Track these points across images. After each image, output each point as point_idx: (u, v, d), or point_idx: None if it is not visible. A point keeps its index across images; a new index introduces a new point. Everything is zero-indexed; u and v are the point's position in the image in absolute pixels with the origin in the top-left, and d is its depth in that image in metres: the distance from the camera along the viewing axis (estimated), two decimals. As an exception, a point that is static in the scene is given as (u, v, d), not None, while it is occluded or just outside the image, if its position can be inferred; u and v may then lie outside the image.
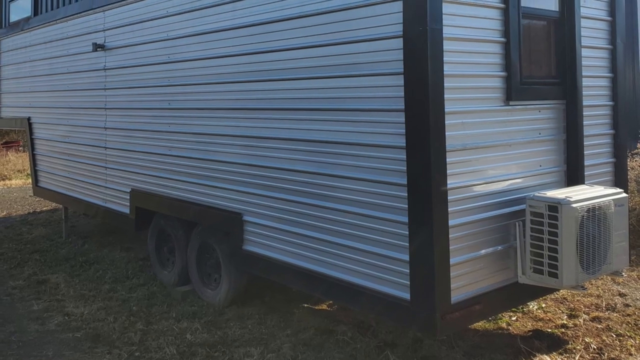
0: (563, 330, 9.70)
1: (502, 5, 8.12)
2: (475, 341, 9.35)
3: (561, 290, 9.73)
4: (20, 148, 37.35)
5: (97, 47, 13.65)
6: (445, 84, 7.38)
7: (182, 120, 11.38)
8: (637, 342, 9.22)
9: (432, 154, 7.24)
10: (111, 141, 13.67)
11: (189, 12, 10.97)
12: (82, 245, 16.07)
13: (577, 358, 8.73)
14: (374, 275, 7.98)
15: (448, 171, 7.43)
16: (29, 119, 17.66)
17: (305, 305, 10.97)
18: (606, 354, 8.88)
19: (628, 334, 9.47)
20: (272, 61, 9.39)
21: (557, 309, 10.49)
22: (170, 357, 9.18)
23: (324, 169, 8.66)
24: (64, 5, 15.48)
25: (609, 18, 9.80)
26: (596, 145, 9.54)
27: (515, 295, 8.40)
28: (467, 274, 7.71)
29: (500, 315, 10.03)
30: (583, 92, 9.08)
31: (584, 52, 9.19)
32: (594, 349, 9.02)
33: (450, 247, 7.44)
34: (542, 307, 10.55)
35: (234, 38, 10.02)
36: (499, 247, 8.09)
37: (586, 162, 9.14)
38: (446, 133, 7.41)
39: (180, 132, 11.43)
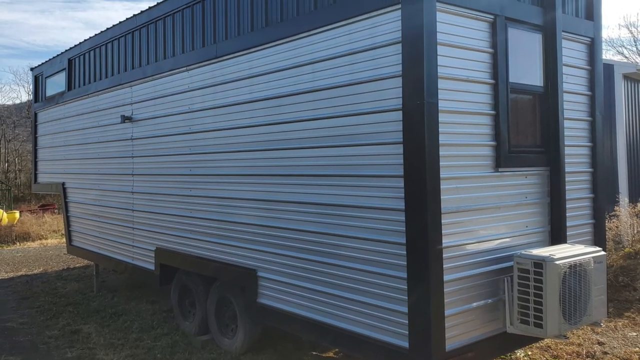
0: (548, 376, 9.73)
1: (492, 81, 8.27)
2: (468, 386, 9.35)
3: (545, 339, 9.74)
4: (55, 210, 37.45)
5: (125, 118, 13.82)
6: (440, 152, 7.50)
7: (202, 185, 11.50)
8: (615, 387, 9.24)
9: (429, 215, 7.34)
10: (138, 204, 13.79)
11: (210, 86, 11.14)
12: (112, 298, 16.11)
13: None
14: (375, 326, 8.03)
15: (443, 231, 7.53)
16: (63, 184, 17.81)
17: (314, 352, 10.98)
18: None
19: (607, 380, 9.49)
20: (284, 131, 9.52)
21: (541, 356, 10.49)
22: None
23: (331, 230, 8.75)
24: (95, 80, 15.69)
25: (589, 92, 9.93)
26: (577, 207, 9.64)
27: (504, 343, 8.43)
28: (461, 324, 7.77)
29: (491, 362, 10.05)
30: (565, 160, 9.19)
31: (566, 123, 9.31)
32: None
33: (445, 300, 7.50)
34: (528, 355, 10.54)
35: (250, 110, 10.16)
36: (489, 300, 8.14)
37: (568, 223, 9.21)
38: (441, 197, 7.51)
39: (200, 195, 11.53)
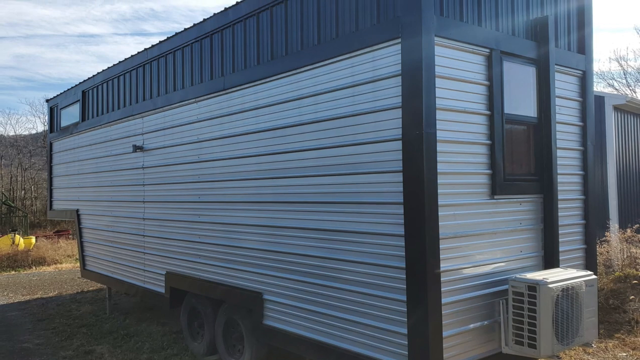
0: (542, 395, 9.66)
1: (487, 112, 8.29)
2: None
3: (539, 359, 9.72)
4: (69, 236, 37.45)
5: (137, 148, 13.86)
6: (438, 180, 7.52)
7: (210, 212, 11.50)
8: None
9: (427, 241, 7.34)
10: (149, 230, 13.80)
11: (217, 117, 11.17)
12: (124, 320, 16.07)
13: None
14: (376, 347, 8.01)
15: (441, 256, 7.53)
16: (77, 210, 17.83)
17: (318, 373, 10.92)
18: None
19: (599, 400, 9.43)
20: (288, 160, 9.54)
21: (536, 376, 10.45)
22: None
23: (333, 254, 8.74)
24: (107, 112, 15.75)
25: (580, 123, 9.95)
26: (569, 233, 9.64)
27: (500, 363, 8.41)
28: (458, 345, 7.75)
29: (487, 381, 10.00)
30: (558, 188, 9.22)
31: (559, 152, 9.35)
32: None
33: (443, 322, 7.49)
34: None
35: (256, 140, 10.19)
36: (485, 322, 8.12)
37: (561, 248, 9.22)
38: (439, 223, 7.52)
39: (208, 222, 11.54)
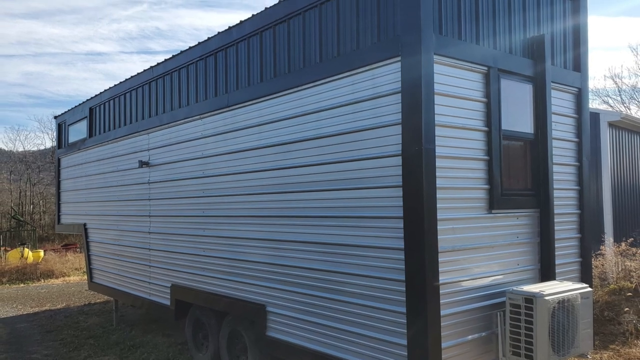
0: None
1: (485, 129, 8.30)
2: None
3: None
4: (77, 249, 37.41)
5: (143, 163, 13.88)
6: (437, 195, 7.52)
7: (214, 226, 11.51)
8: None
9: (427, 254, 7.33)
10: (154, 244, 13.79)
11: (221, 134, 11.19)
12: (130, 331, 16.08)
13: None
14: (377, 358, 7.99)
15: (440, 269, 7.52)
16: (84, 224, 17.83)
17: (319, 384, 10.88)
18: None
19: (595, 410, 9.40)
20: (291, 176, 9.54)
21: (534, 388, 10.40)
22: None
23: (335, 267, 8.74)
24: (114, 128, 15.78)
25: (576, 139, 9.97)
26: (565, 247, 9.64)
27: (498, 374, 8.39)
28: (456, 356, 7.74)
29: (485, 392, 9.97)
30: (554, 202, 9.22)
31: (555, 168, 9.35)
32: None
33: (442, 333, 7.48)
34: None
35: (260, 156, 10.20)
36: (483, 333, 8.12)
37: (557, 261, 9.23)
38: (438, 237, 7.52)
39: (213, 235, 11.54)
